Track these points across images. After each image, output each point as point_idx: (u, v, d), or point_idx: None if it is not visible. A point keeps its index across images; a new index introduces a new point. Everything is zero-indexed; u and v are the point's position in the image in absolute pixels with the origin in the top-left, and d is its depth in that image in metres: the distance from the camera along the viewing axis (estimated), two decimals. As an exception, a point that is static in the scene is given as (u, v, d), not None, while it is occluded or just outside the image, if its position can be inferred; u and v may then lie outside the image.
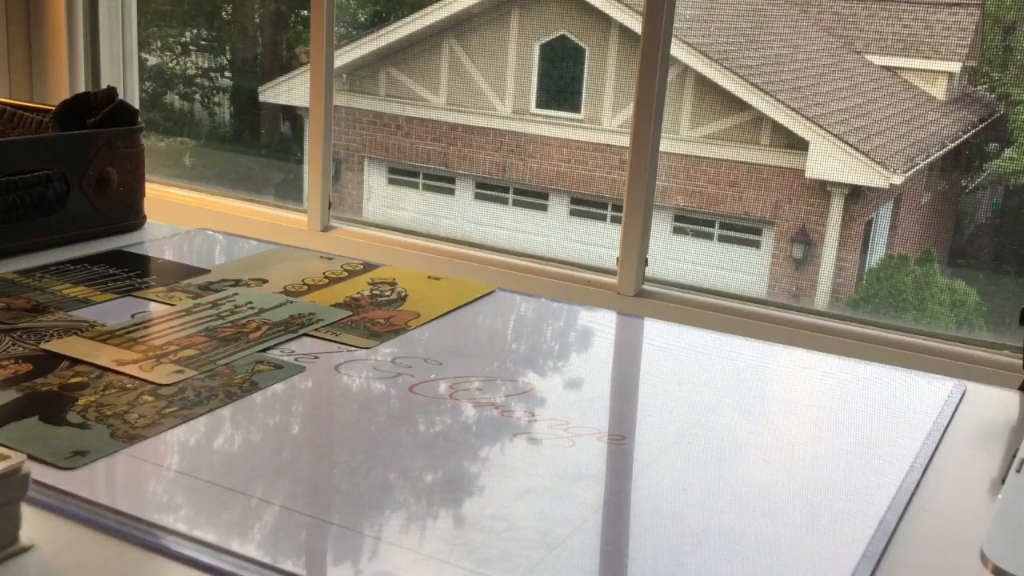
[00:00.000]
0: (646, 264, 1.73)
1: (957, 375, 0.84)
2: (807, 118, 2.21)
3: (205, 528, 0.54)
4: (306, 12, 2.39)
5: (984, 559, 0.55)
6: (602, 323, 0.93)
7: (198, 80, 2.91)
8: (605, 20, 2.44)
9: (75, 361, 0.74)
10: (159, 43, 2.84)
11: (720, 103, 2.31)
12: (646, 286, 1.74)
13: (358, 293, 0.93)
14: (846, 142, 2.18)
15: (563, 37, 2.52)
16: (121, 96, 1.11)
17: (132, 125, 1.10)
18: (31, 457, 0.60)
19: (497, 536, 0.55)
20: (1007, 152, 2.09)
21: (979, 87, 2.25)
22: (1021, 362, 1.28)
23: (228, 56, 2.94)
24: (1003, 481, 0.65)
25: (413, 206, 2.88)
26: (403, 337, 0.83)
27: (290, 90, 2.76)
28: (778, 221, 2.29)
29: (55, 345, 0.77)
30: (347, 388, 0.74)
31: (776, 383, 0.80)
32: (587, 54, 2.50)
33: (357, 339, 0.82)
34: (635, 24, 2.28)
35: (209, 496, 0.57)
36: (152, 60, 2.82)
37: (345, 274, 0.99)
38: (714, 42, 2.36)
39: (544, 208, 2.65)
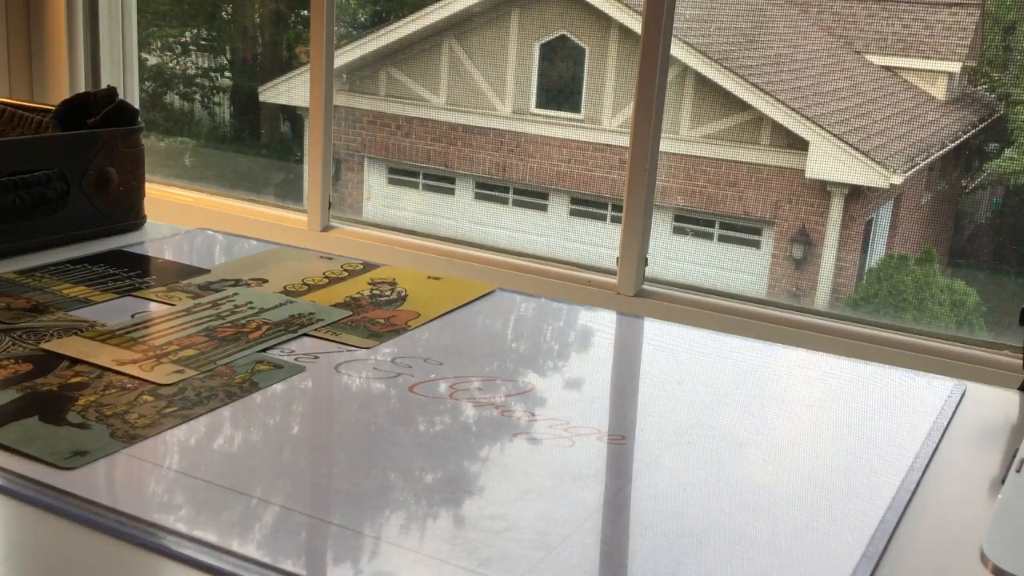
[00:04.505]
0: (646, 264, 1.73)
1: (957, 375, 0.84)
2: (807, 118, 2.21)
3: (205, 528, 0.54)
4: (306, 12, 2.39)
5: (984, 559, 0.55)
6: (602, 323, 0.93)
7: (198, 80, 2.91)
8: (605, 20, 2.44)
9: (75, 361, 0.74)
10: (159, 43, 2.84)
11: (720, 103, 2.31)
12: (646, 286, 1.74)
13: (358, 293, 0.93)
14: (846, 142, 2.18)
15: (563, 37, 2.52)
16: (121, 96, 1.11)
17: (132, 125, 1.10)
18: (31, 457, 0.60)
19: (497, 536, 0.55)
20: (1007, 152, 2.09)
21: (979, 87, 2.25)
22: (1021, 362, 1.28)
23: (228, 56, 2.94)
24: (1003, 481, 0.65)
25: (413, 206, 2.88)
26: (403, 337, 0.83)
27: (290, 90, 2.76)
28: (778, 221, 2.29)
29: (55, 345, 0.77)
30: (347, 388, 0.74)
31: (776, 383, 0.80)
32: (587, 54, 2.50)
33: (357, 339, 0.82)
34: (635, 24, 2.28)
35: (209, 496, 0.57)
36: (152, 60, 2.82)
37: (345, 274, 0.99)
38: (714, 42, 2.36)
39: (544, 208, 2.65)
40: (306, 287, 0.94)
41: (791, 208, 2.27)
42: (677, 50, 2.11)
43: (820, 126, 2.20)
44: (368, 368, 0.77)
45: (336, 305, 0.89)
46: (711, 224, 2.40)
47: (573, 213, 2.61)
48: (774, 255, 2.31)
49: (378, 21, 2.86)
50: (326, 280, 0.96)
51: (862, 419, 0.73)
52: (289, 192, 2.79)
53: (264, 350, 0.78)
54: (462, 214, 2.78)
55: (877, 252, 2.27)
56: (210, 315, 0.85)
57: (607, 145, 2.51)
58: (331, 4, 1.94)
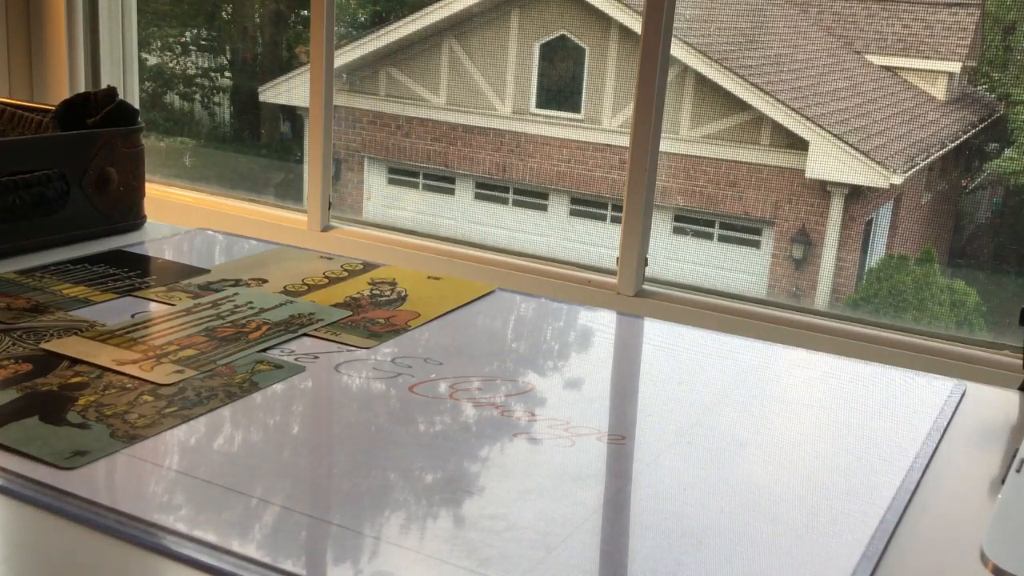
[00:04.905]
0: (646, 264, 1.73)
1: (957, 375, 0.84)
2: (807, 118, 2.21)
3: (205, 528, 0.54)
4: (306, 12, 2.39)
5: (984, 559, 0.55)
6: (602, 323, 0.93)
7: (198, 80, 2.91)
8: (605, 20, 2.44)
9: (75, 361, 0.74)
10: (159, 43, 2.84)
11: (720, 103, 2.31)
12: (646, 286, 1.74)
13: (358, 293, 0.93)
14: (846, 142, 2.18)
15: (563, 37, 2.52)
16: (121, 96, 1.11)
17: (132, 125, 1.10)
18: (31, 457, 0.60)
19: (497, 536, 0.55)
20: (1007, 152, 2.09)
21: (979, 87, 2.25)
22: (1021, 362, 1.28)
23: (228, 56, 2.94)
24: (1003, 481, 0.65)
25: (413, 206, 2.88)
26: (403, 337, 0.83)
27: (290, 90, 2.76)
28: (778, 221, 2.29)
29: (55, 345, 0.77)
30: (347, 388, 0.74)
31: (776, 383, 0.80)
32: (587, 54, 2.50)
33: (357, 339, 0.82)
34: (635, 24, 2.28)
35: (209, 496, 0.57)
36: (152, 60, 2.82)
37: (345, 274, 0.99)
38: (714, 42, 2.36)
39: (544, 208, 2.65)
40: (306, 287, 0.94)
41: (791, 208, 2.27)
42: (677, 50, 2.11)
43: (820, 126, 2.20)
44: (368, 368, 0.77)
45: (336, 305, 0.89)
46: (711, 224, 2.40)
47: (573, 213, 2.61)
48: (774, 255, 2.31)
49: (378, 21, 2.86)
50: (326, 280, 0.96)
51: (862, 419, 0.73)
52: (289, 192, 2.79)
53: (264, 350, 0.78)
54: (462, 214, 2.78)
55: (877, 252, 2.27)
56: (210, 315, 0.85)
57: (607, 145, 2.51)
58: (331, 4, 1.94)
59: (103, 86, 1.73)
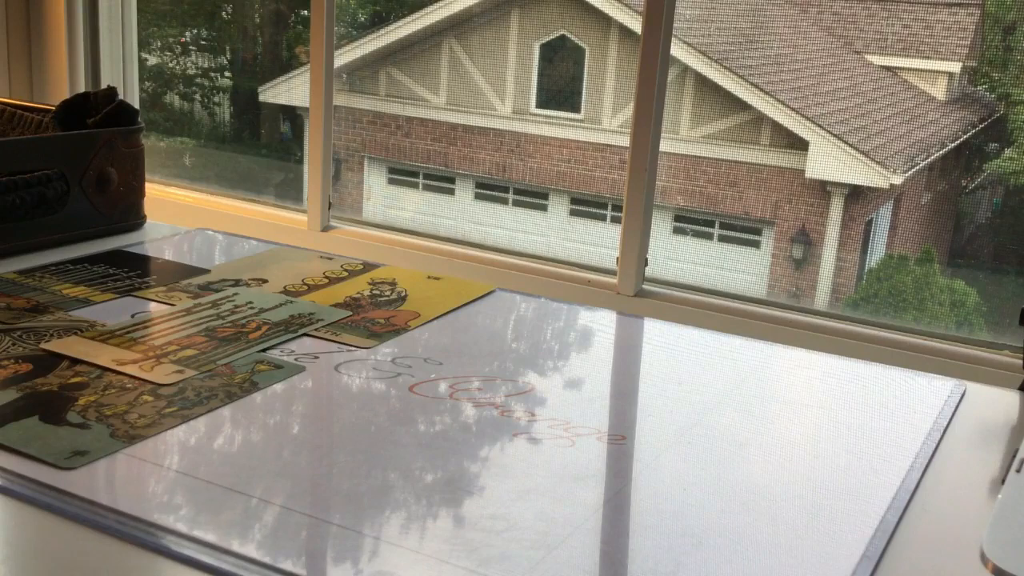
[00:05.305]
0: (646, 264, 1.73)
1: (957, 375, 0.84)
2: (807, 118, 2.21)
3: (205, 528, 0.54)
4: (306, 12, 2.39)
5: (984, 559, 0.55)
6: (602, 323, 0.93)
7: (198, 80, 2.91)
8: (605, 20, 2.45)
9: (75, 361, 0.74)
10: (159, 43, 2.84)
11: (720, 103, 2.31)
12: (646, 286, 1.74)
13: (358, 293, 0.93)
14: (846, 142, 2.18)
15: (563, 37, 2.52)
16: (121, 96, 1.11)
17: (132, 125, 1.10)
18: (31, 457, 0.60)
19: (497, 536, 0.55)
20: (1007, 152, 2.09)
21: (979, 87, 2.25)
22: (1021, 362, 1.28)
23: (228, 56, 2.94)
24: (1003, 481, 0.65)
25: (413, 206, 2.88)
26: (403, 337, 0.83)
27: (290, 90, 2.76)
28: (778, 221, 2.29)
29: (55, 345, 0.77)
30: (347, 388, 0.74)
31: (776, 383, 0.80)
32: (587, 54, 2.50)
33: (357, 339, 0.82)
34: (635, 24, 2.28)
35: (209, 496, 0.57)
36: (152, 60, 2.82)
37: (345, 274, 0.99)
38: (714, 42, 2.36)
39: (544, 208, 2.65)
40: (306, 287, 0.94)
41: (791, 208, 2.27)
42: (677, 50, 2.11)
43: (820, 126, 2.20)
44: (368, 368, 0.77)
45: (336, 305, 0.89)
46: (711, 224, 2.40)
47: (573, 213, 2.61)
48: (774, 255, 2.31)
49: (378, 21, 2.86)
50: (326, 280, 0.96)
51: (862, 419, 0.73)
52: (289, 192, 2.79)
53: (264, 350, 0.78)
54: (462, 214, 2.78)
55: (877, 252, 2.28)
56: (210, 315, 0.85)
57: (607, 145, 2.51)
58: (331, 4, 1.94)
59: (103, 86, 1.73)
